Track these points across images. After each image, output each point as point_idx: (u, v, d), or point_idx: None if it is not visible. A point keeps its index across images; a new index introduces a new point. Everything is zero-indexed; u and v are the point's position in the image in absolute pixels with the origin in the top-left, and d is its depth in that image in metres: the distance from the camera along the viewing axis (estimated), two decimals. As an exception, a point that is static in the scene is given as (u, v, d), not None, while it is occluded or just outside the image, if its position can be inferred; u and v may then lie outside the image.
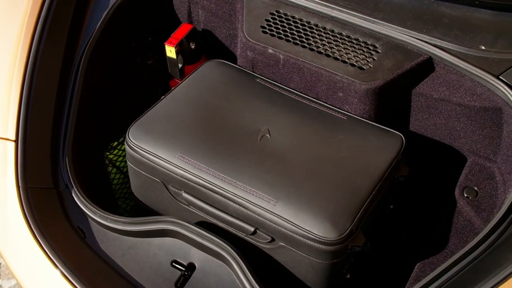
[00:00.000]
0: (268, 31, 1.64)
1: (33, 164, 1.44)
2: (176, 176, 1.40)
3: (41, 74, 1.54)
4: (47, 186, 1.44)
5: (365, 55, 1.57)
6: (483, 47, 1.52)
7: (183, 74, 1.82)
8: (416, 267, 1.44)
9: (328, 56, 1.58)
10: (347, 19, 1.62)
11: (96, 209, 1.41)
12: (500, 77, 1.46)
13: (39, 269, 1.31)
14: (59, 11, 1.64)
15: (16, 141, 1.44)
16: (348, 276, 1.44)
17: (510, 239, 1.22)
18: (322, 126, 1.50)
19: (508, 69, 1.47)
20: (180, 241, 1.38)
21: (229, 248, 1.31)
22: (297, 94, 1.59)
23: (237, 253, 1.30)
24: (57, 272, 1.29)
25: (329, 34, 1.63)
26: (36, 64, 1.54)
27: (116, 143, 1.80)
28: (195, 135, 1.45)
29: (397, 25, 1.59)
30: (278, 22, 1.66)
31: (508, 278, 1.12)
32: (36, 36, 1.57)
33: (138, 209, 1.62)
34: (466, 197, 1.53)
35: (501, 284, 1.12)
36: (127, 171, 1.56)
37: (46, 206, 1.40)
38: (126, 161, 1.53)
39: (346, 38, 1.61)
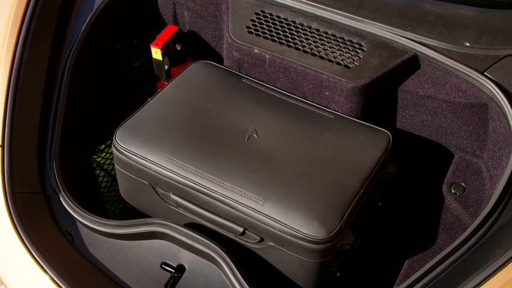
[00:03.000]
0: (253, 31, 1.64)
1: (20, 169, 1.43)
2: (164, 177, 1.40)
3: (27, 78, 1.53)
4: (35, 190, 1.43)
5: (351, 53, 1.57)
6: (468, 44, 1.53)
7: (169, 76, 1.82)
8: (405, 263, 1.45)
9: (314, 55, 1.58)
10: (332, 18, 1.63)
11: (85, 212, 1.41)
12: (485, 73, 1.47)
13: (28, 274, 1.30)
14: (44, 15, 1.63)
15: (2, 146, 1.43)
16: (338, 274, 1.44)
17: (497, 234, 1.23)
18: (309, 125, 1.51)
19: (493, 65, 1.48)
20: (170, 243, 1.37)
21: (219, 249, 1.31)
22: (283, 94, 1.60)
23: (226, 254, 1.30)
24: (47, 277, 1.28)
25: (314, 33, 1.63)
26: (21, 68, 1.53)
27: (103, 146, 1.79)
28: (183, 137, 1.45)
29: (382, 23, 1.59)
30: (263, 22, 1.66)
31: (495, 273, 1.13)
32: (20, 40, 1.56)
33: (127, 212, 1.61)
34: (454, 193, 1.53)
35: (489, 279, 1.13)
36: (115, 174, 1.56)
37: (34, 210, 1.40)
38: (114, 164, 1.53)
39: (331, 37, 1.62)
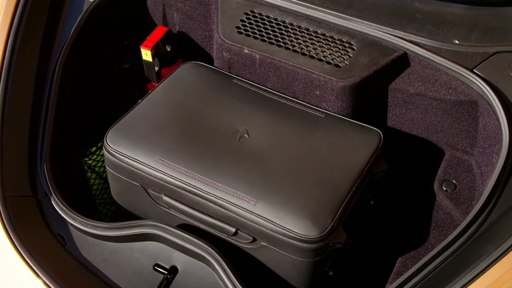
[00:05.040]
0: (243, 31, 1.64)
1: (10, 172, 1.42)
2: (155, 179, 1.39)
3: (16, 80, 1.53)
4: (26, 194, 1.43)
5: (341, 52, 1.58)
6: (457, 41, 1.53)
7: (159, 77, 1.81)
8: (398, 261, 1.45)
9: (304, 54, 1.58)
10: (321, 17, 1.63)
11: (76, 215, 1.40)
12: (474, 70, 1.47)
13: (20, 278, 1.29)
14: (33, 16, 1.63)
15: (-8, 149, 1.43)
16: (331, 273, 1.44)
17: (488, 230, 1.23)
18: (300, 124, 1.51)
19: (482, 62, 1.48)
20: (162, 244, 1.37)
21: (211, 250, 1.31)
22: (274, 93, 1.60)
23: (219, 254, 1.30)
24: (39, 281, 1.28)
25: (304, 33, 1.63)
26: (10, 70, 1.53)
27: (94, 148, 1.79)
28: (173, 138, 1.45)
29: (371, 22, 1.60)
30: (253, 22, 1.67)
31: (487, 269, 1.14)
32: (10, 42, 1.56)
33: (120, 214, 1.61)
34: (445, 190, 1.54)
35: (481, 276, 1.13)
36: (107, 176, 1.55)
37: (25, 214, 1.39)
38: (105, 166, 1.52)
39: (321, 36, 1.62)
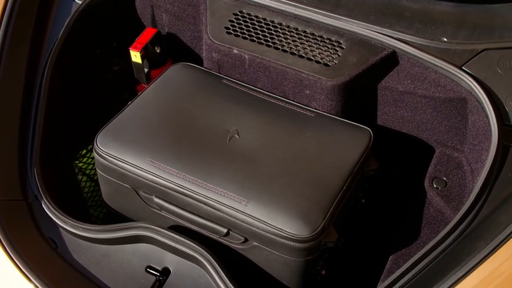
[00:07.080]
0: (232, 32, 1.64)
1: (0, 176, 1.42)
2: (146, 181, 1.39)
3: (5, 84, 1.52)
4: (16, 198, 1.42)
5: (330, 52, 1.58)
6: (445, 39, 1.54)
7: (149, 79, 1.81)
8: (389, 259, 1.46)
9: (293, 54, 1.59)
10: (310, 17, 1.63)
11: (67, 218, 1.39)
12: (463, 67, 1.48)
13: (12, 283, 1.29)
14: (21, 19, 1.62)
15: (-19, 153, 1.42)
16: (323, 272, 1.44)
17: (479, 227, 1.24)
18: (291, 124, 1.51)
19: (470, 59, 1.49)
20: (154, 246, 1.37)
21: (203, 251, 1.31)
22: (264, 93, 1.60)
23: (211, 255, 1.30)
24: (31, 285, 1.27)
25: (293, 32, 1.63)
26: (-1, 73, 1.52)
27: (84, 151, 1.78)
28: (164, 140, 1.44)
29: (360, 20, 1.60)
30: (242, 22, 1.67)
31: (478, 265, 1.14)
32: (-2, 46, 1.56)
33: (111, 217, 1.61)
34: (436, 187, 1.54)
35: (472, 272, 1.14)
36: (97, 178, 1.55)
37: (16, 218, 1.38)
38: (96, 169, 1.52)
39: (310, 36, 1.62)
